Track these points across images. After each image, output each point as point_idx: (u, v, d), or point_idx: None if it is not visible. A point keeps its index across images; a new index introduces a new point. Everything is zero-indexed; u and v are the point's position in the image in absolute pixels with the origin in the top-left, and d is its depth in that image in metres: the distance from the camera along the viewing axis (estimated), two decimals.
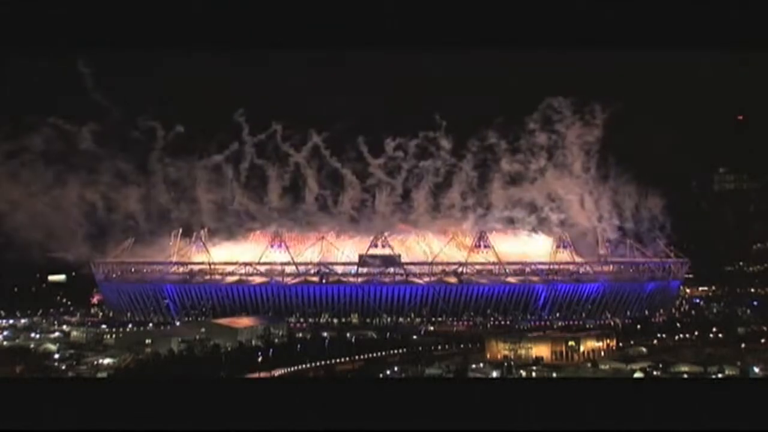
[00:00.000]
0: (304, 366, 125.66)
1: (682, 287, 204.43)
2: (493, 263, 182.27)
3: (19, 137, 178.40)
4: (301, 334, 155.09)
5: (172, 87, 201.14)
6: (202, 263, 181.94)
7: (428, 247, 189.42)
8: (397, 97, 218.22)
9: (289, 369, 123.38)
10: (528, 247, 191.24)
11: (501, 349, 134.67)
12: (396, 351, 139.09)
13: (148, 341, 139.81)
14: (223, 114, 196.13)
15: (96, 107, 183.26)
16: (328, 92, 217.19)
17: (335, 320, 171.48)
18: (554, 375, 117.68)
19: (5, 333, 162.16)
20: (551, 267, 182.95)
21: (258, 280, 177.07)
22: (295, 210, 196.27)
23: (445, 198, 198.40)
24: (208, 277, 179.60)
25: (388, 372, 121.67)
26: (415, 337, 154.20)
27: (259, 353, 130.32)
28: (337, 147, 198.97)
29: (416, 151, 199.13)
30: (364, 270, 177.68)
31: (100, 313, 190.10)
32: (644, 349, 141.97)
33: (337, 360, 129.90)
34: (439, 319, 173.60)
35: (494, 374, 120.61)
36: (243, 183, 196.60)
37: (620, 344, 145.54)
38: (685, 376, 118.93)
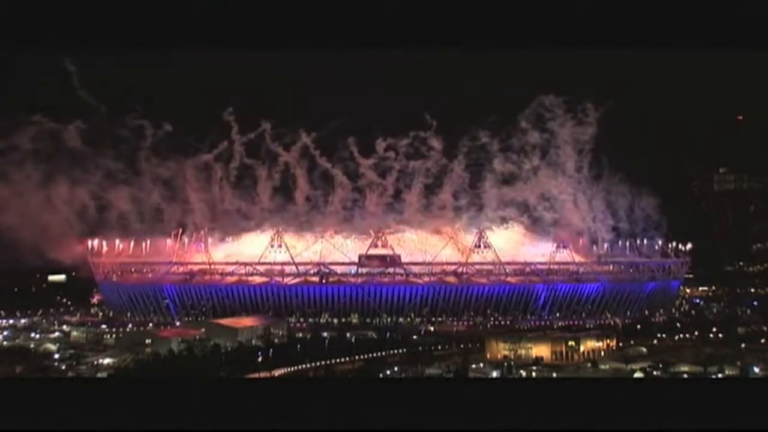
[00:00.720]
0: (304, 366, 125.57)
1: (682, 287, 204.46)
2: (493, 263, 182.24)
3: (9, 136, 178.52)
4: (301, 334, 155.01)
5: (161, 85, 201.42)
6: (202, 263, 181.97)
7: (422, 245, 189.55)
8: (388, 97, 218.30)
9: (289, 369, 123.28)
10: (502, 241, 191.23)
11: (501, 349, 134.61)
12: (396, 351, 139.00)
13: (148, 341, 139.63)
14: (213, 113, 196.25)
15: (83, 105, 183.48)
16: (318, 92, 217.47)
17: (335, 320, 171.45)
18: (554, 375, 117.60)
19: (5, 333, 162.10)
20: (551, 267, 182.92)
21: (258, 280, 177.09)
22: (286, 210, 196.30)
23: (437, 198, 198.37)
24: (208, 277, 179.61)
25: (388, 372, 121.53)
26: (415, 337, 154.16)
27: (259, 353, 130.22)
28: (328, 147, 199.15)
29: (407, 151, 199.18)
30: (364, 270, 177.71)
31: (100, 313, 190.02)
32: (644, 349, 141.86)
33: (337, 360, 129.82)
34: (439, 319, 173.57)
35: (494, 374, 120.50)
36: (233, 182, 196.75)
37: (620, 344, 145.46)
38: (685, 376, 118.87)
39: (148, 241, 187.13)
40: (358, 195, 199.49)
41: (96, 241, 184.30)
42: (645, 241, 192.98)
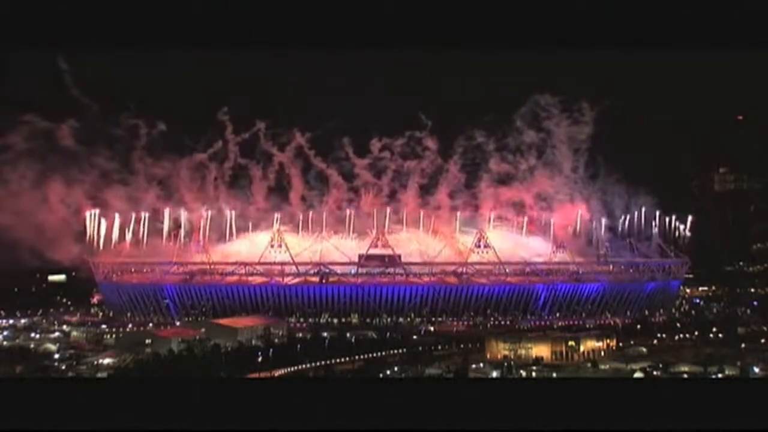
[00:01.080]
0: (304, 366, 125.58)
1: (682, 287, 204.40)
2: (493, 263, 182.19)
3: (3, 135, 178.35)
4: (301, 334, 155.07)
5: (156, 85, 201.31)
6: (202, 263, 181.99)
7: (419, 245, 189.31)
8: (383, 97, 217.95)
9: (289, 369, 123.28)
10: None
11: (501, 349, 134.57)
12: (396, 351, 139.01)
13: (148, 341, 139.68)
14: (208, 112, 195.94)
15: (77, 104, 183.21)
16: (313, 92, 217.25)
17: (335, 320, 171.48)
18: (554, 375, 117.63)
19: (5, 333, 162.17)
20: (551, 267, 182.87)
21: (258, 280, 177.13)
22: (281, 210, 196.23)
23: (432, 198, 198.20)
24: (208, 277, 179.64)
25: (388, 372, 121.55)
26: (415, 337, 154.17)
27: (259, 353, 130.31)
28: (323, 147, 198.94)
29: (403, 151, 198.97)
30: (364, 270, 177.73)
31: (100, 313, 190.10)
32: (644, 349, 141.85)
33: (337, 360, 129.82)
34: (439, 319, 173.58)
35: (494, 374, 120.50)
36: (228, 182, 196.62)
37: (620, 344, 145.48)
38: (685, 376, 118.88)
39: (145, 241, 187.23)
40: (353, 195, 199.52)
41: (96, 212, 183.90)
42: (644, 241, 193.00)
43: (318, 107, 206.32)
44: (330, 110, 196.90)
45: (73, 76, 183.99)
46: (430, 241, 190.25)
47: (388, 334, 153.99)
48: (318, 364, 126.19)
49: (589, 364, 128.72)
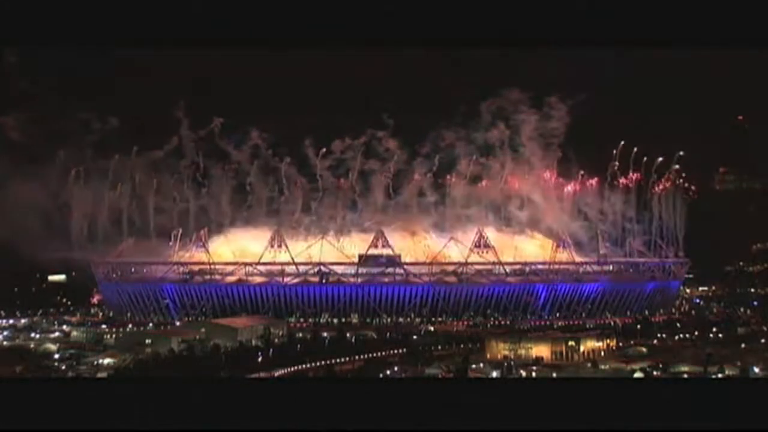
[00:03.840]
0: (304, 366, 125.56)
1: (682, 287, 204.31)
2: (493, 263, 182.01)
3: None
4: (301, 334, 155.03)
5: (119, 81, 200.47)
6: (202, 263, 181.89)
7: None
8: (349, 96, 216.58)
9: (289, 369, 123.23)
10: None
11: (501, 349, 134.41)
12: (396, 351, 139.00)
13: (148, 341, 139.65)
14: (168, 110, 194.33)
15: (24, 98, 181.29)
16: (277, 91, 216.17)
17: (335, 320, 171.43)
18: (554, 375, 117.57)
19: (5, 333, 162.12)
20: (551, 267, 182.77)
21: (258, 280, 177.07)
22: (249, 211, 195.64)
23: (402, 197, 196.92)
24: (208, 277, 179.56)
25: (388, 372, 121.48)
26: (415, 337, 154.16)
27: (259, 353, 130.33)
28: (286, 147, 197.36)
29: (368, 150, 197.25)
30: (364, 270, 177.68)
31: (100, 313, 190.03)
32: (644, 349, 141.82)
33: (337, 360, 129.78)
34: (439, 319, 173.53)
35: (494, 374, 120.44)
36: (190, 182, 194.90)
37: (620, 344, 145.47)
38: (685, 376, 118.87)
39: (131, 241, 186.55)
40: (320, 195, 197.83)
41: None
42: (637, 238, 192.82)
43: (282, 107, 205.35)
44: (295, 110, 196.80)
45: (22, 69, 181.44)
46: (403, 242, 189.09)
47: (388, 334, 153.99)
48: (318, 364, 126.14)
49: (589, 364, 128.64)
